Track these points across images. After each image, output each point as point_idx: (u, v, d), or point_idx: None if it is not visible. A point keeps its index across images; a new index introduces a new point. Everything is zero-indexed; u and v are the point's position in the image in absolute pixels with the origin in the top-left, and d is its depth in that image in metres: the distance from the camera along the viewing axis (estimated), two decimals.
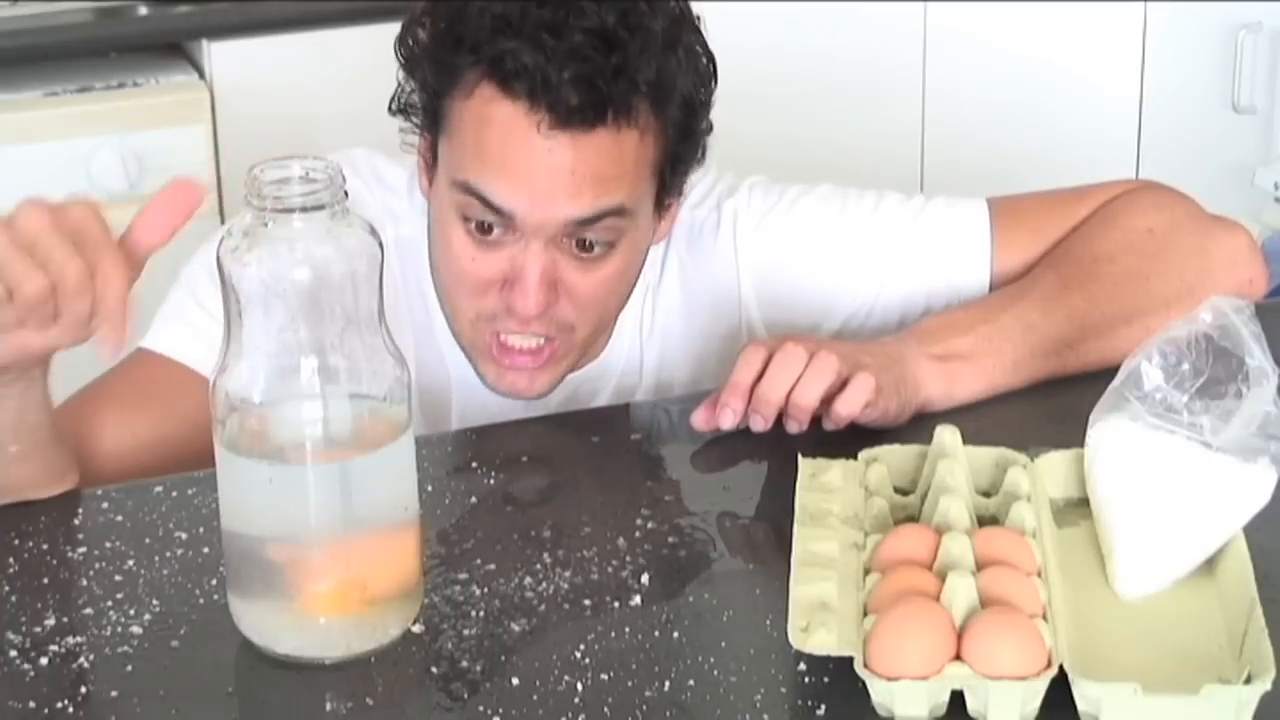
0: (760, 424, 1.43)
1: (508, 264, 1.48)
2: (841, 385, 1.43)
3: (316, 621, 1.18)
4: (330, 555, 1.17)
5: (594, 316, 1.53)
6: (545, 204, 1.45)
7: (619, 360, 1.63)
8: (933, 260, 1.63)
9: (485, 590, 1.26)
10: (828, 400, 1.43)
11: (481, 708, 1.14)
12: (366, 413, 1.18)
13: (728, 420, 1.43)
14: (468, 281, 1.51)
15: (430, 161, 1.53)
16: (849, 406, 1.42)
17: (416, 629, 1.21)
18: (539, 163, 1.44)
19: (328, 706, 1.15)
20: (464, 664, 1.18)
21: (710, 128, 1.54)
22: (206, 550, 1.30)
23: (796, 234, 1.64)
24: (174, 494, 1.37)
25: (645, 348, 1.64)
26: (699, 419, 1.45)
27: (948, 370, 1.50)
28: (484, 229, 1.47)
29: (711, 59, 1.52)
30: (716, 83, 1.52)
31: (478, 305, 1.51)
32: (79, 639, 1.21)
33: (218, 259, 1.14)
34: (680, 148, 1.51)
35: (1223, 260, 1.62)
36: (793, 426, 1.44)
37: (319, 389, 1.15)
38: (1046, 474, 1.32)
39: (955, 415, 1.44)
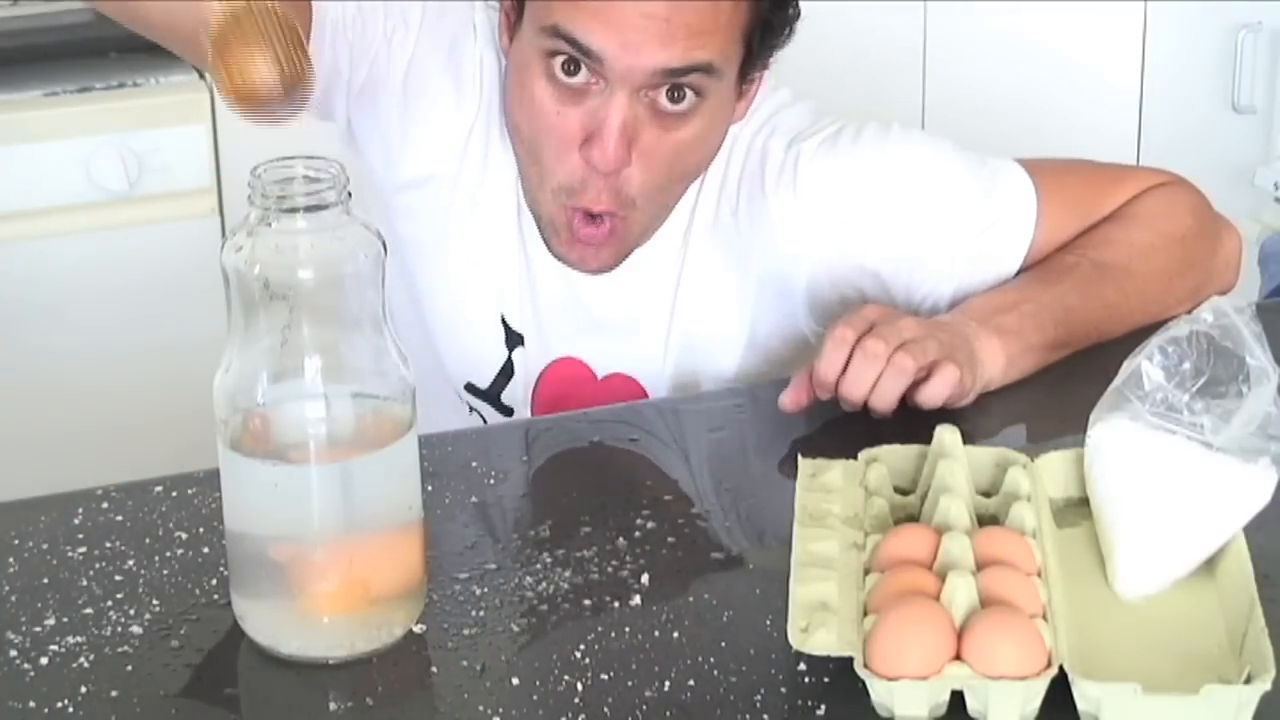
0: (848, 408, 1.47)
1: (589, 117, 1.49)
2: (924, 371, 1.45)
3: (320, 621, 1.18)
4: (333, 555, 1.17)
5: (659, 188, 1.53)
6: (636, 49, 1.45)
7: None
8: (980, 254, 1.62)
9: (485, 590, 1.26)
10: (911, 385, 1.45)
11: (481, 708, 1.14)
12: (370, 412, 1.18)
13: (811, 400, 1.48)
14: (551, 140, 1.51)
15: (514, 17, 1.53)
16: (933, 400, 1.45)
17: (419, 629, 1.21)
18: (634, 7, 1.45)
19: (330, 706, 1.15)
20: (464, 664, 1.18)
21: (798, 13, 1.55)
22: (206, 550, 1.30)
23: (865, 226, 1.61)
24: (174, 494, 1.37)
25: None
26: (787, 401, 1.47)
27: (1007, 348, 1.52)
28: (570, 70, 1.48)
29: None
30: None
31: (560, 173, 1.52)
32: (79, 639, 1.21)
33: (221, 260, 1.14)
34: (772, 15, 1.52)
35: (1220, 266, 1.69)
36: (876, 415, 1.46)
37: (322, 389, 1.16)
38: (1046, 474, 1.32)
39: (955, 415, 1.44)
